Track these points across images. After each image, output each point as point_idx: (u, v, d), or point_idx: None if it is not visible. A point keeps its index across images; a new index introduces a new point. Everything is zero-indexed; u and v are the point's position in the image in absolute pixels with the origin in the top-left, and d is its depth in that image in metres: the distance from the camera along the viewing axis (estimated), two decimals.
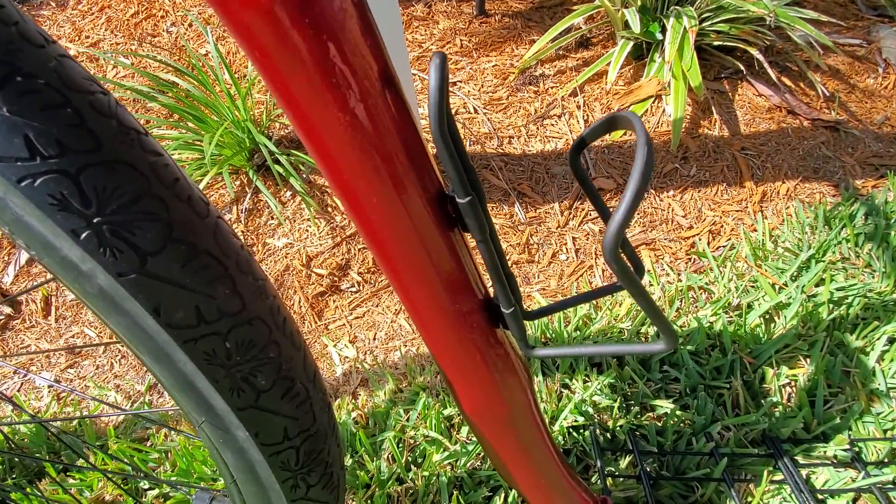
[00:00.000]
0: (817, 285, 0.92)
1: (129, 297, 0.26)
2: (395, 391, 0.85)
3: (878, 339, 0.82)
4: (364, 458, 0.74)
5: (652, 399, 0.78)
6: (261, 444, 0.34)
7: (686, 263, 1.07)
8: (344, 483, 0.43)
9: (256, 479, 0.36)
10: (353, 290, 1.12)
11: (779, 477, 0.70)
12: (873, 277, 0.92)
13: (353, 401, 0.85)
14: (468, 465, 0.73)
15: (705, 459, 0.72)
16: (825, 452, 0.72)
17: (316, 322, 1.08)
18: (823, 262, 0.92)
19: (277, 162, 1.17)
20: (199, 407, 0.31)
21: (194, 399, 0.31)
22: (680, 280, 0.99)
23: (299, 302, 1.10)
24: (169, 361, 0.28)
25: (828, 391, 0.78)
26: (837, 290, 0.89)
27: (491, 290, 0.34)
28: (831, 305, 0.88)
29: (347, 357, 1.01)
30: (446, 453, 0.74)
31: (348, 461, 0.74)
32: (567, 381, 0.81)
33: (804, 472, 0.71)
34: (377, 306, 1.10)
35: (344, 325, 1.08)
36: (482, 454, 0.74)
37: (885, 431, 0.73)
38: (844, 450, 0.71)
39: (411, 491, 0.72)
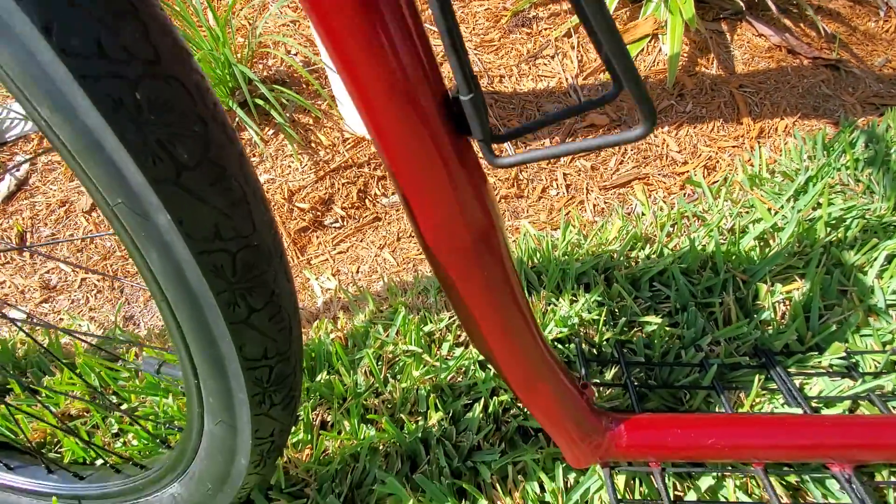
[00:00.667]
0: (814, 209, 0.88)
1: (158, 204, 0.27)
2: (375, 312, 0.82)
3: (877, 256, 0.79)
4: (341, 372, 0.71)
5: (641, 316, 0.75)
6: (242, 359, 0.35)
7: (680, 198, 1.03)
8: (297, 407, 0.44)
9: (227, 390, 0.36)
10: (337, 225, 1.08)
11: (771, 386, 0.67)
12: (872, 201, 0.89)
13: (333, 324, 0.82)
14: (448, 378, 0.70)
15: (694, 371, 0.69)
16: (820, 363, 0.69)
17: (298, 257, 1.05)
18: (821, 185, 0.89)
19: (263, 98, 1.13)
20: (194, 320, 0.33)
21: (196, 317, 0.32)
22: (673, 209, 0.95)
23: (282, 238, 1.06)
24: (181, 275, 0.30)
25: (823, 306, 0.75)
26: (835, 212, 0.86)
27: (450, 85, 0.31)
28: (828, 228, 0.85)
29: (329, 289, 0.98)
30: (426, 368, 0.71)
31: (325, 376, 0.71)
32: (553, 299, 0.78)
33: (797, 382, 0.68)
34: (361, 241, 1.07)
35: (327, 259, 1.05)
36: (465, 368, 0.72)
37: (883, 345, 0.70)
38: (840, 358, 0.68)
39: (388, 403, 0.69)
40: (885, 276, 0.78)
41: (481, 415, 0.66)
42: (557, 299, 0.78)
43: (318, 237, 1.08)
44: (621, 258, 0.83)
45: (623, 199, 1.06)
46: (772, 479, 0.59)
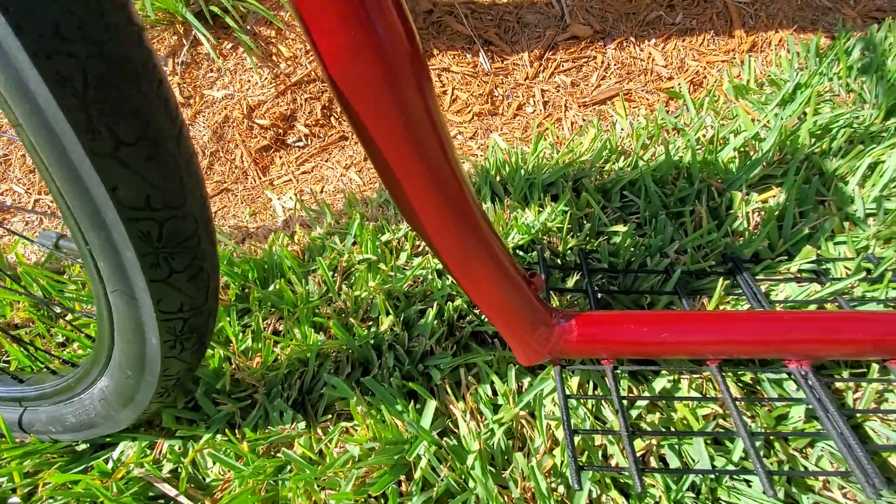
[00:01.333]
0: (800, 118, 0.83)
1: (93, 173, 0.29)
2: (332, 225, 0.79)
3: (860, 164, 0.75)
4: (293, 281, 0.68)
5: (609, 226, 0.72)
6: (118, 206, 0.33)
7: (660, 108, 0.98)
8: (216, 288, 0.43)
9: (114, 250, 0.35)
10: (300, 144, 1.03)
11: (737, 292, 0.65)
12: (862, 109, 0.83)
13: (290, 237, 0.79)
14: (404, 286, 0.68)
15: (659, 278, 0.67)
16: (789, 269, 0.66)
17: (260, 177, 1.00)
18: (808, 92, 0.84)
19: (220, 7, 1.04)
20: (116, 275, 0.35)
21: (118, 274, 0.35)
22: (651, 123, 0.90)
23: (241, 157, 1.01)
24: (108, 237, 0.33)
25: (798, 213, 0.72)
26: (821, 120, 0.81)
27: None
28: (813, 137, 0.80)
29: (290, 208, 0.94)
30: (381, 276, 0.68)
31: (277, 286, 0.68)
32: (519, 210, 0.75)
33: (763, 288, 0.66)
34: (326, 161, 1.02)
35: (290, 180, 1.00)
36: (422, 277, 0.69)
37: (857, 252, 0.68)
38: (810, 263, 0.65)
39: (342, 311, 0.67)
40: (866, 184, 0.74)
41: (435, 321, 0.64)
42: (524, 209, 0.75)
43: (280, 157, 1.02)
44: (593, 169, 0.79)
45: (603, 117, 1.01)
46: (727, 378, 0.58)
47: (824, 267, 0.67)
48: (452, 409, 0.59)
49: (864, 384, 0.56)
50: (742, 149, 0.81)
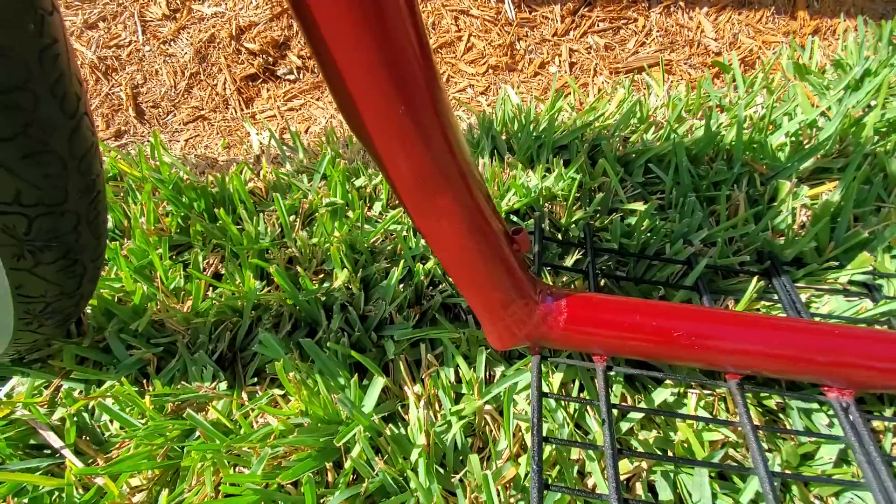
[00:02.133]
0: (867, 109, 0.70)
1: None
2: (303, 162, 0.68)
3: None
4: (244, 219, 0.58)
5: (625, 203, 0.60)
6: None
7: (705, 80, 0.85)
8: (96, 275, 0.40)
9: None
10: (291, 77, 0.92)
11: (771, 297, 0.53)
12: None
13: (252, 171, 0.68)
14: (371, 241, 0.57)
15: (678, 270, 0.55)
16: (837, 280, 0.54)
17: (242, 109, 0.90)
18: (879, 80, 0.70)
19: None
20: None
21: None
22: (692, 93, 0.77)
23: (224, 83, 0.90)
24: None
25: (854, 217, 0.60)
26: (890, 114, 0.68)
27: None
28: (879, 133, 0.67)
29: (268, 144, 0.83)
30: (346, 224, 0.57)
31: (223, 222, 0.58)
32: (521, 171, 0.63)
33: (804, 297, 0.54)
34: (318, 100, 0.91)
35: (275, 116, 0.89)
36: (395, 234, 0.58)
37: None
38: (863, 274, 0.53)
39: (294, 259, 0.56)
40: None
41: (400, 284, 0.53)
42: (530, 169, 0.63)
43: (268, 89, 0.91)
44: (616, 135, 0.67)
45: (636, 86, 0.88)
46: (747, 399, 0.47)
47: (878, 283, 0.55)
48: (407, 391, 0.48)
49: None
50: (796, 135, 0.68)
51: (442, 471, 0.45)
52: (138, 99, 0.90)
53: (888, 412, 0.47)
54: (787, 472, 0.43)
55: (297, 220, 0.59)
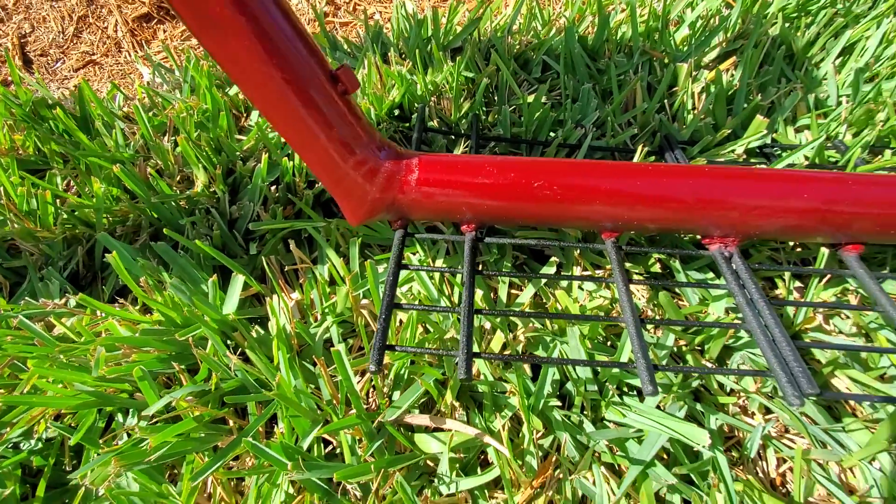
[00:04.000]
0: None
1: None
2: (178, 80, 0.63)
3: (837, 43, 0.60)
4: (101, 132, 0.53)
5: (520, 96, 0.57)
6: None
7: None
8: None
9: None
10: None
11: None
12: None
13: (124, 97, 0.63)
14: (246, 147, 0.53)
15: (566, 153, 0.52)
16: (733, 151, 0.52)
17: (136, 51, 0.84)
18: None
19: None
20: None
21: None
22: None
23: (115, 25, 0.84)
24: None
25: (756, 87, 0.57)
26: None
27: None
28: (784, 18, 0.65)
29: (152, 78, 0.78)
30: (212, 132, 0.53)
31: (80, 136, 0.53)
32: (409, 70, 0.59)
33: None
34: None
35: (168, 58, 0.84)
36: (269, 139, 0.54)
37: (827, 138, 0.53)
38: (759, 139, 0.51)
39: (161, 170, 0.51)
40: (842, 70, 0.59)
41: (273, 186, 0.49)
42: (416, 71, 0.60)
43: (164, 30, 0.86)
44: (513, 33, 0.63)
45: None
46: (627, 263, 0.44)
47: (777, 152, 0.53)
48: (283, 294, 0.44)
49: (811, 283, 0.43)
50: (699, 21, 0.66)
51: (313, 368, 0.41)
52: (25, 49, 0.84)
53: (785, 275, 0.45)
54: (660, 318, 0.40)
55: (168, 132, 0.55)
